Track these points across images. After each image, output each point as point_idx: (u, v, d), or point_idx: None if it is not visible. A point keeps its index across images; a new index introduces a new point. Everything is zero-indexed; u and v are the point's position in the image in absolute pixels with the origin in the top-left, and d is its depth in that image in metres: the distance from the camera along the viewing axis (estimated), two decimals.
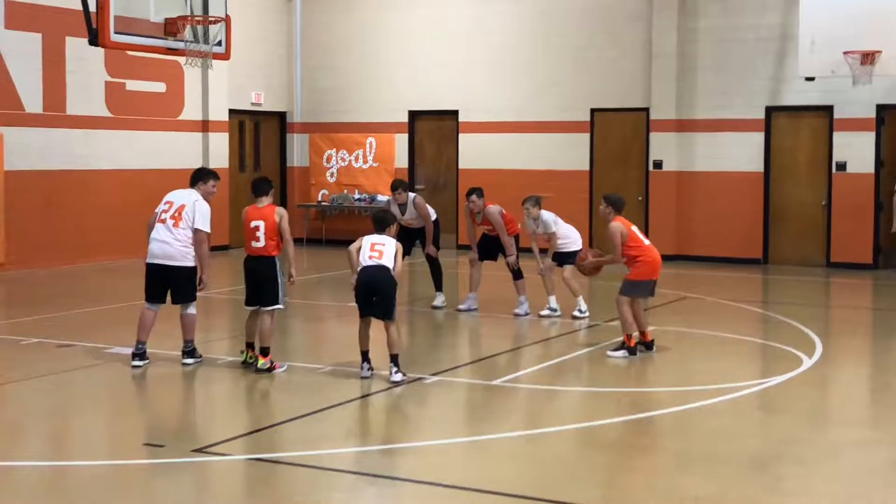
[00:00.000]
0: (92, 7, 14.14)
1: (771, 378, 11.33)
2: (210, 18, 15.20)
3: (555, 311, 14.79)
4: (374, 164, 24.82)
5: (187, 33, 14.99)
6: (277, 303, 11.38)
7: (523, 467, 8.40)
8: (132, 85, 21.49)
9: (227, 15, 15.60)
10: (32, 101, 19.65)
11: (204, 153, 22.98)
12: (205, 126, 23.07)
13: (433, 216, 15.55)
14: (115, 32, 14.16)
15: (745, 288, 18.58)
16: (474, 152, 23.69)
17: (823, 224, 20.97)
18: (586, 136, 22.76)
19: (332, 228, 25.13)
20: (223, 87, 23.31)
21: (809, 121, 21.05)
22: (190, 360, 11.65)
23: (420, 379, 11.05)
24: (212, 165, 21.83)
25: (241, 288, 11.78)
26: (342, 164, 25.17)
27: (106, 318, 14.78)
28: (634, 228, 12.33)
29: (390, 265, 10.84)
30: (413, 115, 24.53)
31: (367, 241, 10.98)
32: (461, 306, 15.35)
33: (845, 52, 17.72)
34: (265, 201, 11.51)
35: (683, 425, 9.60)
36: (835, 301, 18.21)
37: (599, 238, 19.89)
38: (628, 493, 7.81)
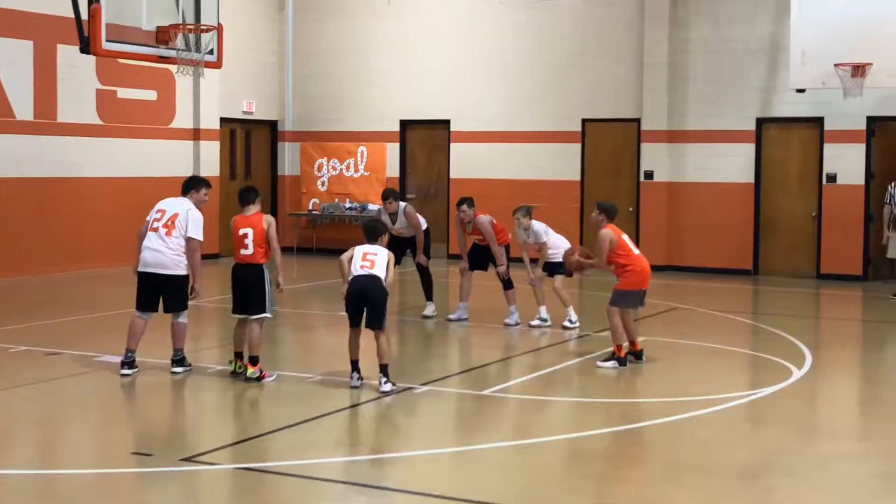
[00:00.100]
0: (84, 15, 14.14)
1: (761, 389, 11.33)
2: (202, 27, 15.21)
3: (545, 321, 14.78)
4: (366, 173, 24.81)
5: (179, 41, 15.00)
6: (264, 311, 11.35)
7: (513, 478, 8.38)
8: (123, 93, 21.47)
9: (218, 23, 15.62)
10: (23, 108, 19.61)
11: (195, 161, 22.95)
12: (196, 134, 23.06)
13: (424, 226, 15.55)
14: (107, 40, 14.15)
15: (735, 299, 18.59)
16: (465, 162, 23.69)
17: (814, 235, 21.00)
18: (577, 147, 22.78)
19: (322, 237, 25.11)
20: (215, 96, 23.29)
21: (800, 132, 21.08)
22: (179, 369, 11.61)
23: (410, 389, 11.03)
24: (203, 174, 21.76)
25: (231, 297, 11.74)
26: (333, 173, 25.16)
27: (95, 327, 14.75)
28: (625, 237, 12.33)
29: (382, 275, 10.83)
30: (404, 124, 24.54)
31: (359, 250, 10.97)
32: (451, 316, 15.33)
33: (836, 64, 17.77)
34: (252, 209, 11.50)
35: (673, 436, 9.59)
36: (825, 312, 18.22)
37: (590, 247, 19.89)
38: None
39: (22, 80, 19.57)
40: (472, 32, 23.62)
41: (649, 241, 21.12)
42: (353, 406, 10.47)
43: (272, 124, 25.60)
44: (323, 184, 25.28)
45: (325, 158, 25.21)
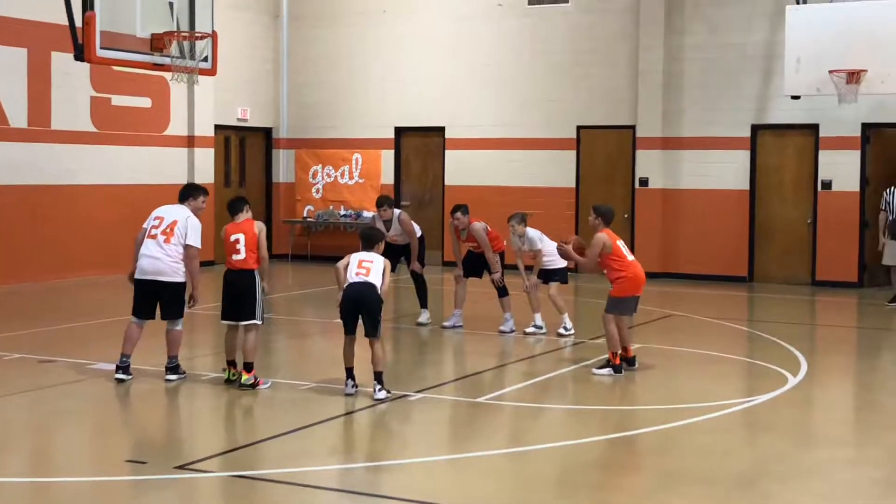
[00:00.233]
0: (78, 22, 14.11)
1: (756, 396, 11.32)
2: (196, 34, 15.19)
3: (540, 328, 14.77)
4: (360, 181, 24.81)
5: (173, 49, 14.97)
6: (254, 317, 11.32)
7: (507, 485, 8.36)
8: (118, 100, 21.46)
9: (213, 31, 15.59)
10: (17, 115, 19.59)
11: (189, 168, 22.93)
12: (190, 141, 23.03)
13: (418, 233, 15.54)
14: (101, 48, 14.13)
15: (730, 306, 18.59)
16: (460, 169, 23.69)
17: (809, 242, 21.01)
18: (572, 154, 22.79)
19: (317, 244, 25.09)
20: (209, 103, 23.27)
21: (795, 139, 21.10)
22: (173, 377, 11.58)
23: (405, 396, 11.01)
24: (197, 181, 21.73)
25: (221, 303, 11.70)
26: (328, 180, 25.15)
27: (90, 334, 14.72)
28: (620, 243, 12.31)
29: (377, 283, 10.81)
30: (399, 131, 24.53)
31: (355, 258, 10.96)
32: (446, 323, 15.31)
33: (831, 71, 17.80)
34: (242, 217, 11.51)
35: (669, 443, 9.57)
36: (820, 319, 18.22)
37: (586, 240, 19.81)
38: None
39: (16, 87, 19.54)
40: (466, 40, 23.63)
41: (644, 248, 21.14)
42: (348, 413, 10.45)
43: (267, 131, 25.60)
44: (318, 191, 25.27)
45: (320, 165, 25.20)
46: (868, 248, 20.26)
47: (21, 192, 19.63)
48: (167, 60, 15.00)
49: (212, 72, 16.00)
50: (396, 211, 15.50)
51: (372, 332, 10.76)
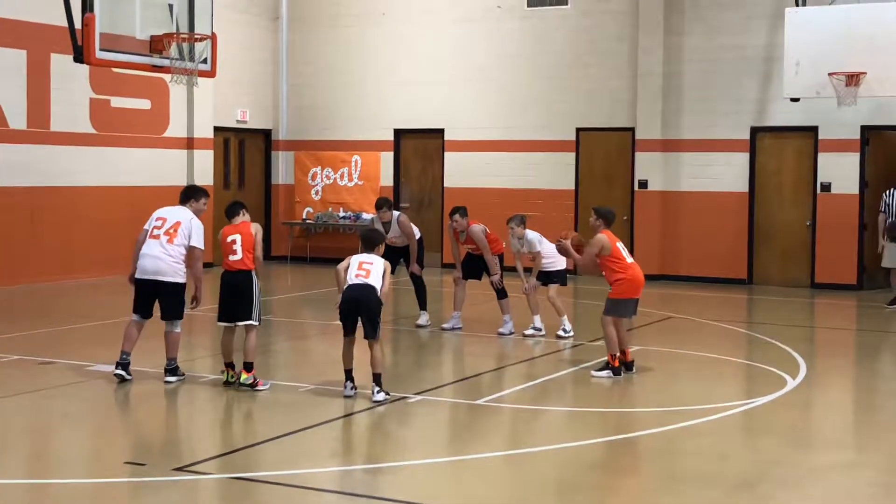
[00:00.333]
0: (77, 24, 14.11)
1: (755, 399, 11.32)
2: (196, 36, 15.19)
3: (539, 330, 14.76)
4: (360, 183, 24.80)
5: (173, 51, 14.98)
6: (251, 318, 11.32)
7: (506, 487, 8.36)
8: (117, 102, 21.45)
9: (212, 32, 15.60)
10: (16, 117, 19.58)
11: (189, 170, 22.92)
12: (189, 143, 23.02)
13: (417, 235, 15.53)
14: (101, 49, 14.14)
15: (729, 308, 18.59)
16: (460, 171, 23.69)
17: (808, 245, 21.00)
18: (572, 156, 22.78)
19: (316, 246, 25.08)
20: (208, 105, 23.26)
21: (794, 141, 21.10)
22: (172, 379, 11.58)
23: (404, 398, 11.00)
24: (196, 182, 21.72)
25: (217, 304, 11.69)
26: (327, 182, 25.14)
27: (88, 336, 14.71)
28: (619, 245, 12.30)
29: (377, 285, 10.80)
30: (398, 133, 24.53)
31: (356, 260, 10.95)
32: (445, 325, 15.31)
33: (830, 74, 17.79)
34: (239, 219, 11.53)
35: (668, 446, 9.57)
36: (819, 322, 18.21)
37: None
38: None
39: (15, 89, 19.54)
40: (466, 42, 23.62)
41: (644, 250, 21.14)
42: (347, 415, 10.44)
43: (266, 133, 25.60)
44: (317, 193, 25.26)
45: (319, 167, 25.19)
46: (867, 251, 20.25)
47: (20, 194, 19.61)
48: (166, 62, 15.00)
49: (211, 74, 16.00)
50: (396, 213, 15.49)
51: (371, 334, 10.75)
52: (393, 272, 15.17)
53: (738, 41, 21.23)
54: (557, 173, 22.81)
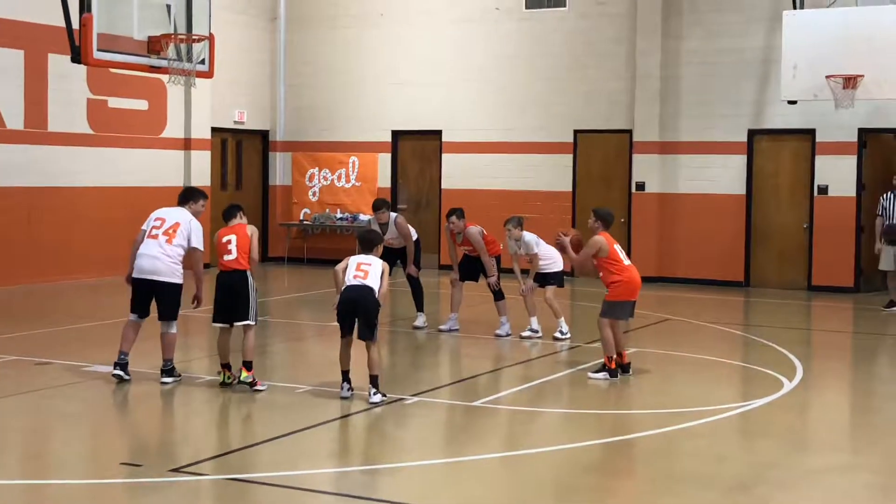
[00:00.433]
0: (75, 24, 14.11)
1: (752, 401, 11.32)
2: (193, 37, 15.18)
3: (536, 332, 14.76)
4: (357, 184, 24.79)
5: (170, 51, 14.97)
6: (248, 318, 11.32)
7: (503, 489, 8.36)
8: (114, 102, 21.44)
9: (210, 33, 15.59)
10: (13, 117, 19.57)
11: (186, 171, 22.91)
12: (187, 144, 23.02)
13: (414, 236, 15.52)
14: (98, 50, 14.12)
15: (726, 310, 18.59)
16: (457, 172, 23.69)
17: (805, 247, 21.01)
18: (569, 157, 22.78)
19: (313, 248, 25.07)
20: (206, 105, 23.25)
21: (792, 144, 21.11)
22: (168, 380, 11.57)
23: (400, 399, 11.00)
24: (194, 183, 21.79)
25: (213, 305, 11.69)
26: (324, 183, 25.13)
27: (85, 337, 14.70)
28: (617, 247, 12.30)
29: (375, 286, 10.78)
30: (396, 134, 24.52)
31: (354, 261, 10.94)
32: (442, 327, 15.30)
33: (828, 76, 17.79)
34: (235, 222, 11.55)
35: (664, 448, 9.57)
36: (816, 324, 18.21)
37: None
38: None
39: (13, 89, 19.52)
40: (464, 43, 23.62)
41: (641, 252, 21.15)
42: (344, 417, 10.44)
43: (263, 134, 25.58)
44: (314, 194, 25.25)
45: (317, 168, 25.18)
46: (864, 254, 20.26)
47: (17, 194, 19.59)
48: (164, 63, 14.99)
49: (209, 74, 16.00)
50: (393, 214, 15.49)
51: (368, 335, 10.74)
52: (390, 274, 15.23)
53: (735, 44, 21.25)
54: (555, 175, 22.82)
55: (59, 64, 19.35)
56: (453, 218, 14.90)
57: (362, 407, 10.63)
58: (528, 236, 14.63)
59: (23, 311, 16.97)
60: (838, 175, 20.58)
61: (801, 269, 21.08)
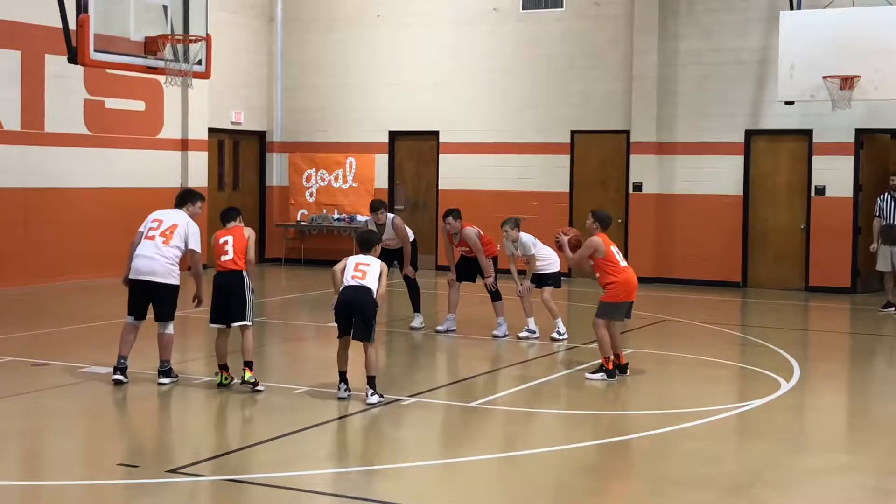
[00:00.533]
0: (72, 25, 14.11)
1: (749, 402, 11.32)
2: (190, 37, 15.19)
3: (533, 332, 14.76)
4: (354, 185, 24.79)
5: (167, 52, 14.99)
6: (245, 318, 11.32)
7: (500, 490, 8.36)
8: (111, 103, 21.41)
9: (207, 34, 15.60)
10: (10, 118, 19.55)
11: (183, 172, 22.89)
12: (184, 145, 23.00)
13: (411, 237, 15.53)
14: (95, 50, 14.13)
15: (723, 311, 18.60)
16: (454, 173, 23.68)
17: (802, 248, 21.02)
18: (566, 158, 22.79)
19: (310, 248, 25.07)
20: (203, 106, 23.23)
21: (789, 144, 21.12)
22: (166, 380, 11.57)
23: (398, 400, 11.00)
24: (191, 184, 21.82)
25: (210, 306, 11.68)
26: (322, 184, 25.13)
27: (82, 337, 14.68)
28: (614, 248, 12.30)
29: (373, 286, 10.78)
30: (393, 135, 24.52)
31: (352, 261, 10.94)
32: (439, 328, 15.30)
33: (825, 77, 17.80)
34: (232, 224, 11.56)
35: (661, 449, 9.57)
36: (813, 325, 18.21)
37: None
38: None
39: (9, 90, 19.50)
40: (461, 44, 23.63)
41: (638, 253, 21.15)
42: (341, 418, 10.43)
43: (261, 135, 25.57)
44: (311, 195, 25.24)
45: (314, 169, 25.17)
46: (861, 254, 20.27)
47: (14, 195, 19.58)
48: (161, 63, 15.01)
49: (206, 75, 16.00)
50: (390, 215, 15.49)
51: (365, 336, 10.73)
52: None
53: (732, 45, 21.26)
54: (552, 176, 22.82)
55: (55, 65, 19.33)
56: (450, 219, 14.90)
57: (359, 408, 10.63)
58: (526, 237, 14.62)
59: (19, 312, 16.95)
60: (835, 176, 20.59)
61: (798, 270, 21.08)
